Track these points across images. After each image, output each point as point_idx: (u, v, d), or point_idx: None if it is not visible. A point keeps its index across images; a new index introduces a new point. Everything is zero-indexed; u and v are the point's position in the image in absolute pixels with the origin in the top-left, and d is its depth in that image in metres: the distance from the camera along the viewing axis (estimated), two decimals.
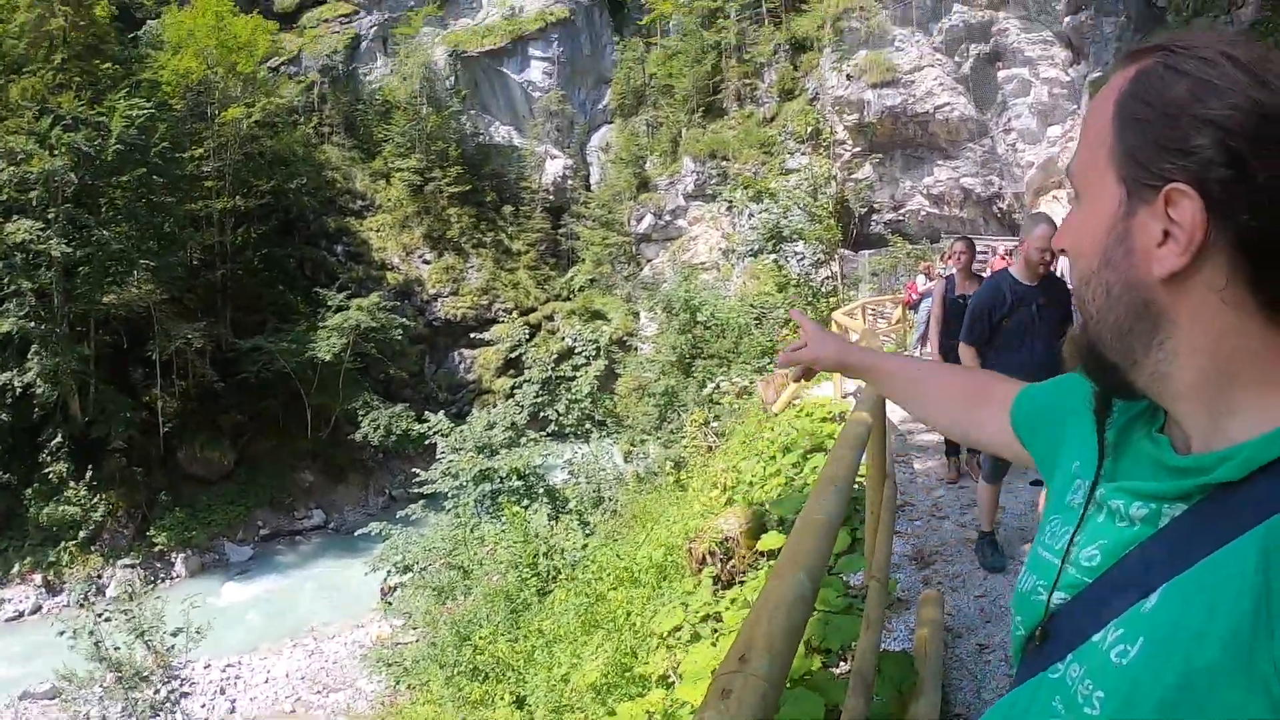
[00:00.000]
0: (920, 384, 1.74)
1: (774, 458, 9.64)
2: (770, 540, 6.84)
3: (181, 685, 20.82)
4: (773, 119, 43.42)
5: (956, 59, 34.40)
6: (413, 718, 11.97)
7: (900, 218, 37.32)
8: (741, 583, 6.93)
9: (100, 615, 18.20)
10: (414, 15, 60.64)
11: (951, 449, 8.62)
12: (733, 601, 6.30)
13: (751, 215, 25.45)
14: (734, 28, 47.11)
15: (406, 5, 61.67)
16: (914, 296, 18.36)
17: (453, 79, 59.84)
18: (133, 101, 38.53)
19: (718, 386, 17.39)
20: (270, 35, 52.66)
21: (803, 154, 38.78)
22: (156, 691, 18.30)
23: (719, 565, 7.58)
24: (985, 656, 4.83)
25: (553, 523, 16.30)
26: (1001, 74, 32.93)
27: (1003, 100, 33.35)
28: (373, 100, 59.90)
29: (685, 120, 49.60)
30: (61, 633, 18.08)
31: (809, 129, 39.49)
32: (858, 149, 37.62)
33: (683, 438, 16.65)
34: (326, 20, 61.46)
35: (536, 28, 59.89)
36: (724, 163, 43.66)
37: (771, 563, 6.79)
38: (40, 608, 32.40)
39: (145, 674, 18.21)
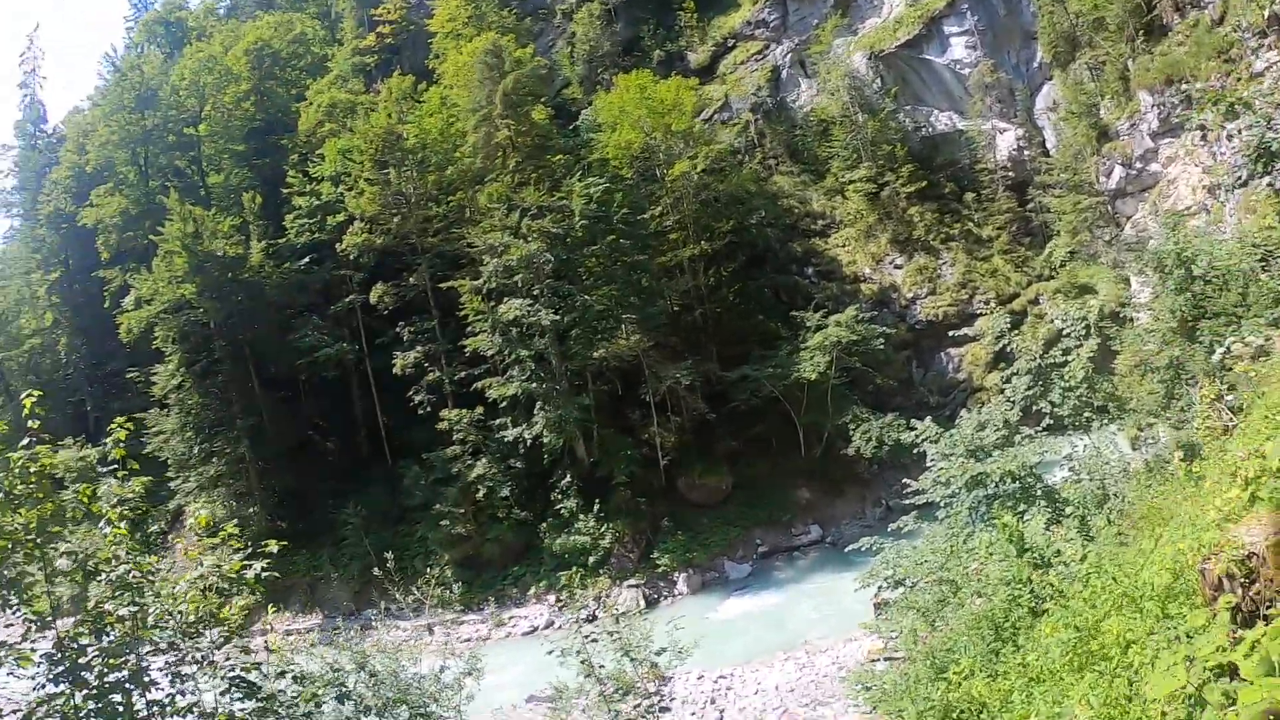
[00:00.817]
0: None
1: None
2: None
3: (661, 700, 21.61)
4: (1222, 18, 37.33)
5: None
6: None
7: None
8: (1266, 617, 5.52)
9: (587, 637, 19.34)
10: (822, 32, 61.02)
11: None
12: (1253, 648, 4.95)
13: (1230, 137, 21.95)
14: None
15: (811, 25, 62.38)
16: None
17: (878, 81, 59.08)
18: (587, 181, 43.15)
19: (1228, 350, 14.91)
20: (693, 91, 55.75)
21: (1268, 49, 32.85)
22: (637, 706, 19.10)
23: (1239, 592, 6.16)
24: None
25: (1052, 529, 14.81)
26: None
27: None
28: (808, 123, 61.25)
29: (1128, 51, 44.38)
30: (550, 652, 19.47)
31: (1265, 15, 33.38)
32: None
33: (1194, 417, 14.45)
34: (742, 62, 64.19)
35: (945, 3, 57.05)
36: (1184, 86, 38.25)
37: None
38: (553, 623, 37.52)
39: (628, 689, 19.08)
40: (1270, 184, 17.49)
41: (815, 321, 45.17)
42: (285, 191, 52.09)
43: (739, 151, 59.12)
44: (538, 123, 48.84)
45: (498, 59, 47.45)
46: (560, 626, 35.22)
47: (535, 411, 41.43)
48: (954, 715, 9.64)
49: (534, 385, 41.17)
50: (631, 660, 19.27)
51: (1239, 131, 18.53)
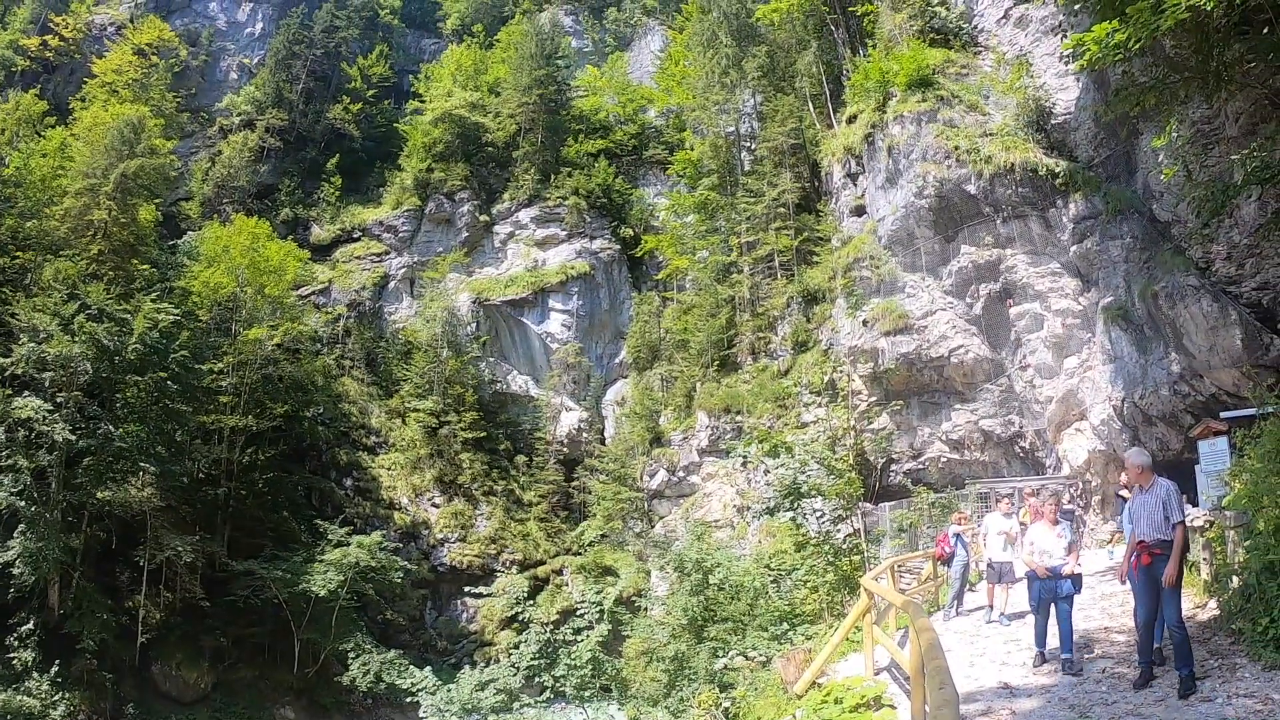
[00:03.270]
0: None
1: None
2: None
3: None
4: (787, 371, 43.24)
5: (968, 300, 34.30)
6: None
7: (921, 466, 36.46)
8: None
9: None
10: (441, 260, 63.03)
11: None
12: None
13: (767, 471, 24.69)
14: (747, 282, 47.88)
15: (435, 250, 64.47)
16: (946, 550, 17.37)
17: (474, 325, 61.26)
18: (160, 305, 39.58)
19: (731, 660, 15.98)
20: (301, 263, 54.74)
21: (819, 406, 38.32)
22: None
23: None
24: None
25: None
26: (1013, 311, 32.72)
27: (1016, 337, 32.96)
28: (395, 339, 61.55)
29: (700, 374, 49.73)
30: None
31: (824, 380, 39.21)
32: (874, 398, 37.14)
33: (691, 709, 15.14)
34: (359, 257, 64.51)
35: (558, 281, 61.79)
36: (739, 417, 43.22)
37: None
38: None
39: None
40: (792, 517, 19.57)
41: (338, 537, 43.02)
42: None
43: (321, 340, 57.92)
44: (141, 221, 45.01)
45: (135, 136, 43.95)
46: None
47: (14, 534, 35.18)
48: None
49: (23, 504, 35.08)
50: None
51: (777, 468, 20.90)
